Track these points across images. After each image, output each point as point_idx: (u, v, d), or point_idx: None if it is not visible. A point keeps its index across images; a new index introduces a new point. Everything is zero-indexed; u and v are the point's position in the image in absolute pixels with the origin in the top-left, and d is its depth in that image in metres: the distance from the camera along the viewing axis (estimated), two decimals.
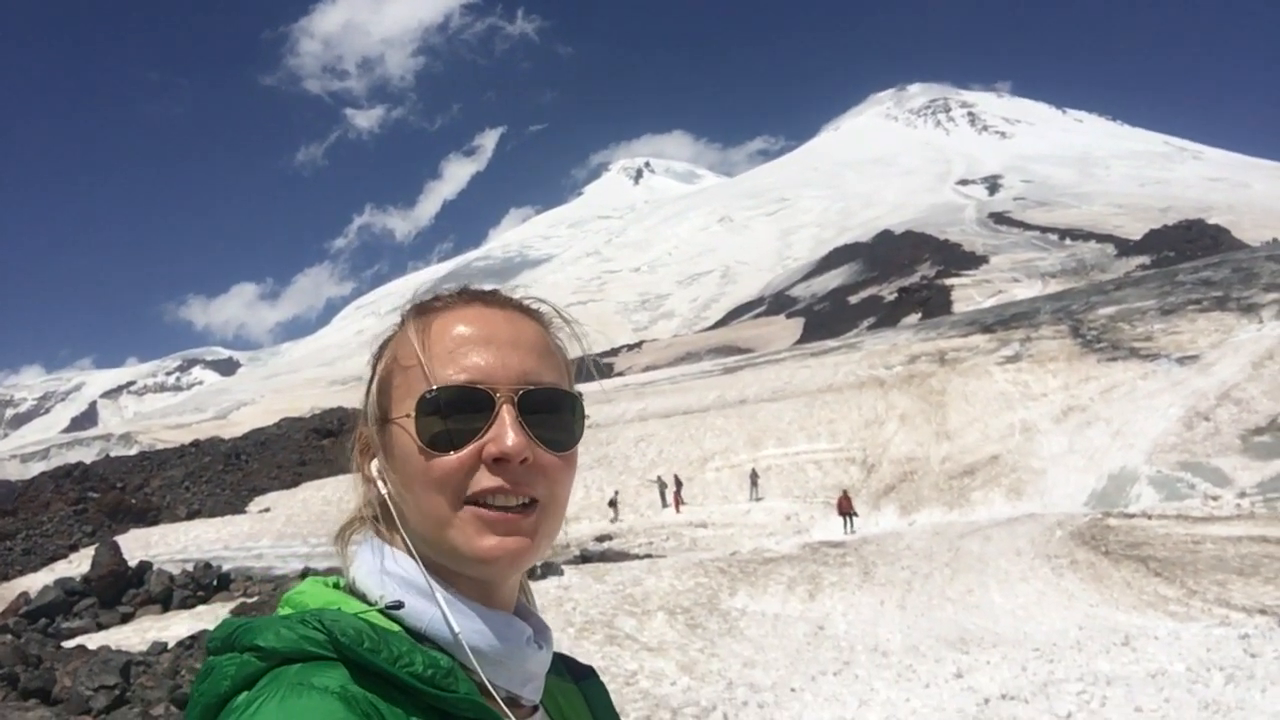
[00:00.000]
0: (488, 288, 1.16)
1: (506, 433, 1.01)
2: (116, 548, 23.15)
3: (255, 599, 20.96)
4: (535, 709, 1.10)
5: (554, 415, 1.07)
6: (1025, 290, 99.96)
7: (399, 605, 1.01)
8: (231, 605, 20.12)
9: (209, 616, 19.12)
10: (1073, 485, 29.12)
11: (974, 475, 31.68)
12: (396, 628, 1.00)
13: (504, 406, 1.03)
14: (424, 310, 1.11)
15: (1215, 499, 25.71)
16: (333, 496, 38.27)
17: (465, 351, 1.05)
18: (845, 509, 27.37)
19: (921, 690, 9.40)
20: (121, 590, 21.43)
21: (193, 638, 14.15)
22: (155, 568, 23.62)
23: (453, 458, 1.02)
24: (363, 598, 1.04)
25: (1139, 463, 29.47)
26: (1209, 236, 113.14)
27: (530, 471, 1.03)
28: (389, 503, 1.07)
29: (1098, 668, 9.67)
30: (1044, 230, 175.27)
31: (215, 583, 23.85)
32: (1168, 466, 28.77)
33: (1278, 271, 47.16)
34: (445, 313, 1.09)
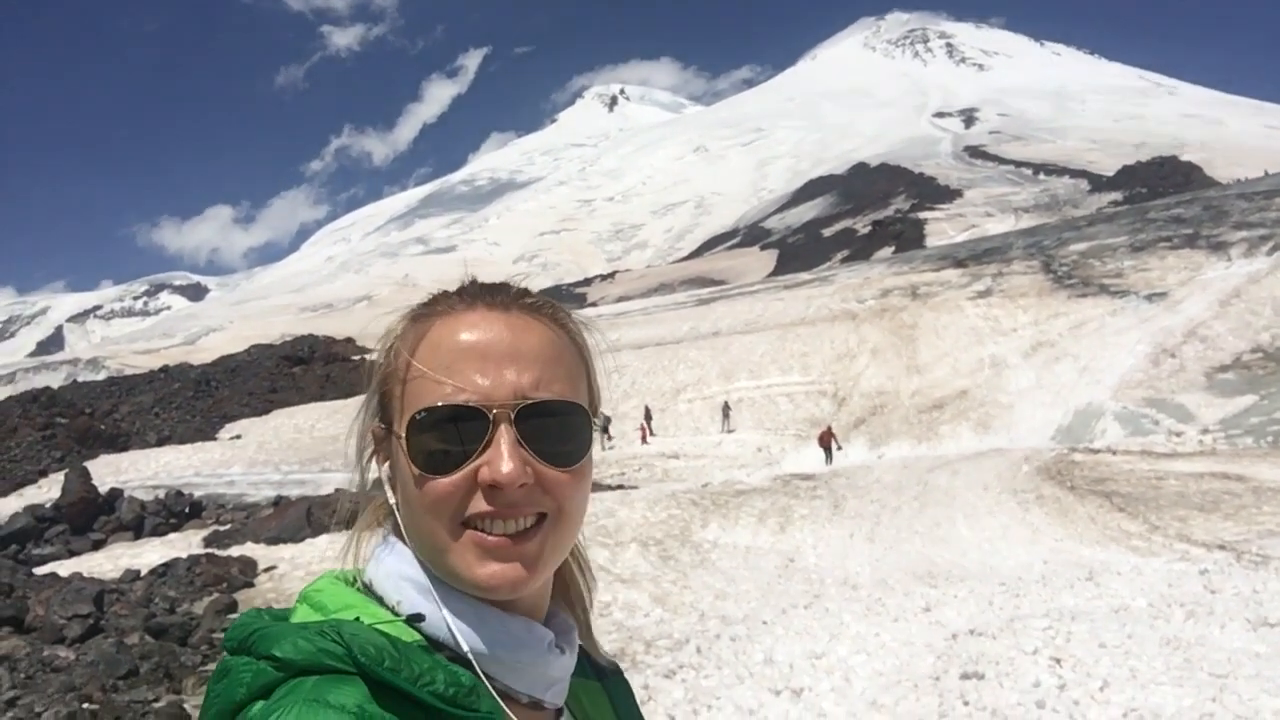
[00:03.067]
0: (495, 283, 1.09)
1: (501, 458, 0.96)
2: (86, 474, 23.06)
3: (228, 526, 20.99)
4: (560, 712, 1.08)
5: (559, 428, 1.01)
6: (998, 225, 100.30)
7: (420, 618, 0.99)
8: (204, 533, 20.15)
9: (181, 544, 19.10)
10: (1040, 420, 29.53)
11: (943, 409, 32.05)
12: (416, 637, 0.97)
13: (500, 426, 0.97)
14: (424, 314, 1.06)
15: (1179, 435, 26.17)
16: (304, 424, 38.18)
17: (461, 366, 0.99)
18: (826, 443, 27.71)
19: (890, 624, 9.57)
20: (93, 517, 21.40)
21: (165, 565, 14.16)
22: (126, 494, 23.60)
23: (446, 481, 0.97)
24: (379, 600, 1.02)
25: (1105, 399, 29.90)
26: (1181, 174, 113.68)
27: (533, 491, 0.99)
28: (396, 512, 1.05)
29: (1063, 603, 9.87)
30: (1018, 165, 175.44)
31: (187, 510, 23.87)
32: (1133, 403, 29.20)
33: (1248, 210, 47.49)
34: (445, 318, 1.04)
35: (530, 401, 0.99)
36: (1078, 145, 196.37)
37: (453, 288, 1.10)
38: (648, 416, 34.41)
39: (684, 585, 12.75)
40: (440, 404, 0.98)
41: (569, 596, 1.19)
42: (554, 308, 1.09)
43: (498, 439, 0.97)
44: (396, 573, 1.02)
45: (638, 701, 1.27)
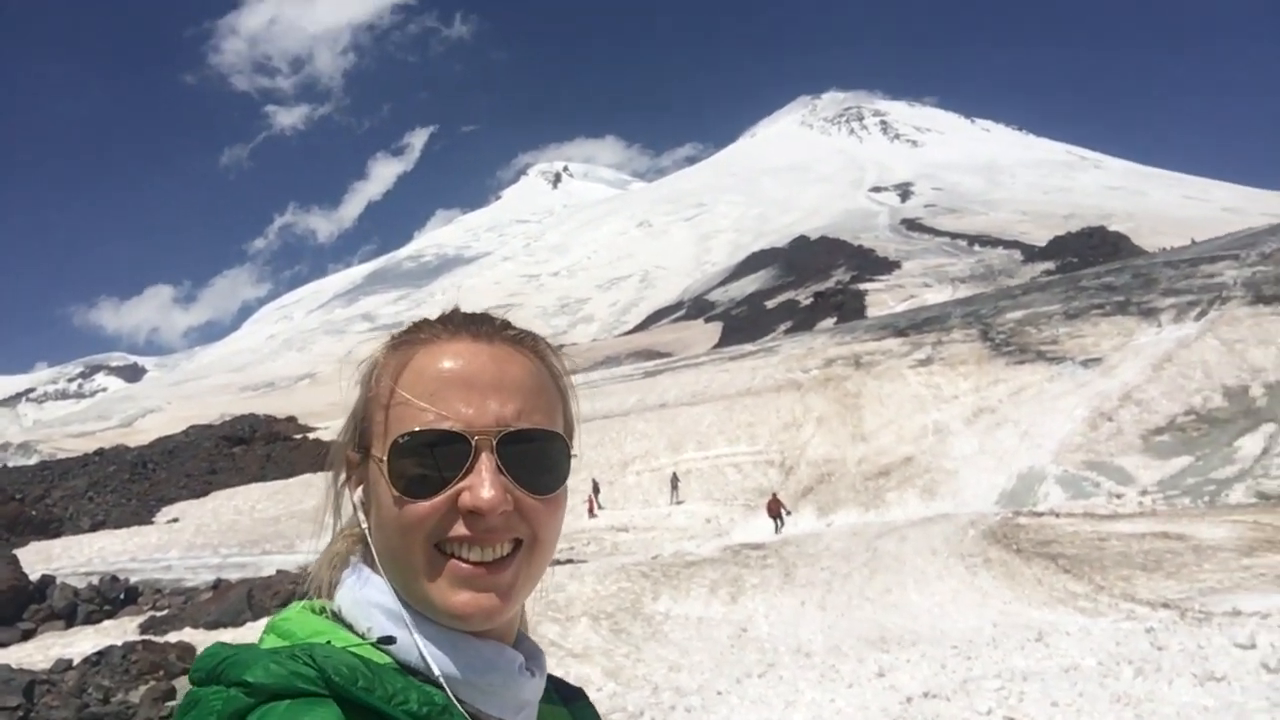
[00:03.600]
0: (477, 312, 1.11)
1: (483, 484, 0.97)
2: (15, 561, 22.31)
3: (165, 612, 20.34)
4: None
5: (538, 458, 1.02)
6: (936, 295, 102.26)
7: (391, 640, 0.98)
8: (140, 619, 19.51)
9: (116, 631, 18.48)
10: (984, 485, 29.86)
11: (889, 476, 32.28)
12: (387, 660, 0.97)
13: (482, 454, 0.99)
14: (408, 341, 1.07)
15: (1119, 497, 26.61)
16: (244, 505, 37.33)
17: (445, 394, 1.01)
18: (775, 511, 27.73)
19: (845, 690, 9.52)
20: (22, 606, 20.61)
21: (99, 654, 13.65)
22: (58, 581, 22.80)
23: (425, 505, 0.98)
24: (349, 627, 1.01)
25: (1046, 462, 30.36)
26: (1110, 243, 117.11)
27: (511, 517, 1.00)
28: (368, 536, 1.04)
29: (1014, 664, 9.91)
30: (954, 236, 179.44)
31: (122, 596, 23.11)
32: (1074, 466, 29.69)
33: (1175, 277, 49.01)
34: (429, 346, 1.05)
35: (512, 430, 1.00)
36: (1009, 217, 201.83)
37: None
38: (595, 490, 34.19)
39: (637, 658, 12.60)
40: (424, 429, 0.99)
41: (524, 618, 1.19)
42: (535, 340, 1.12)
43: (479, 465, 0.98)
44: (366, 599, 1.02)
45: None
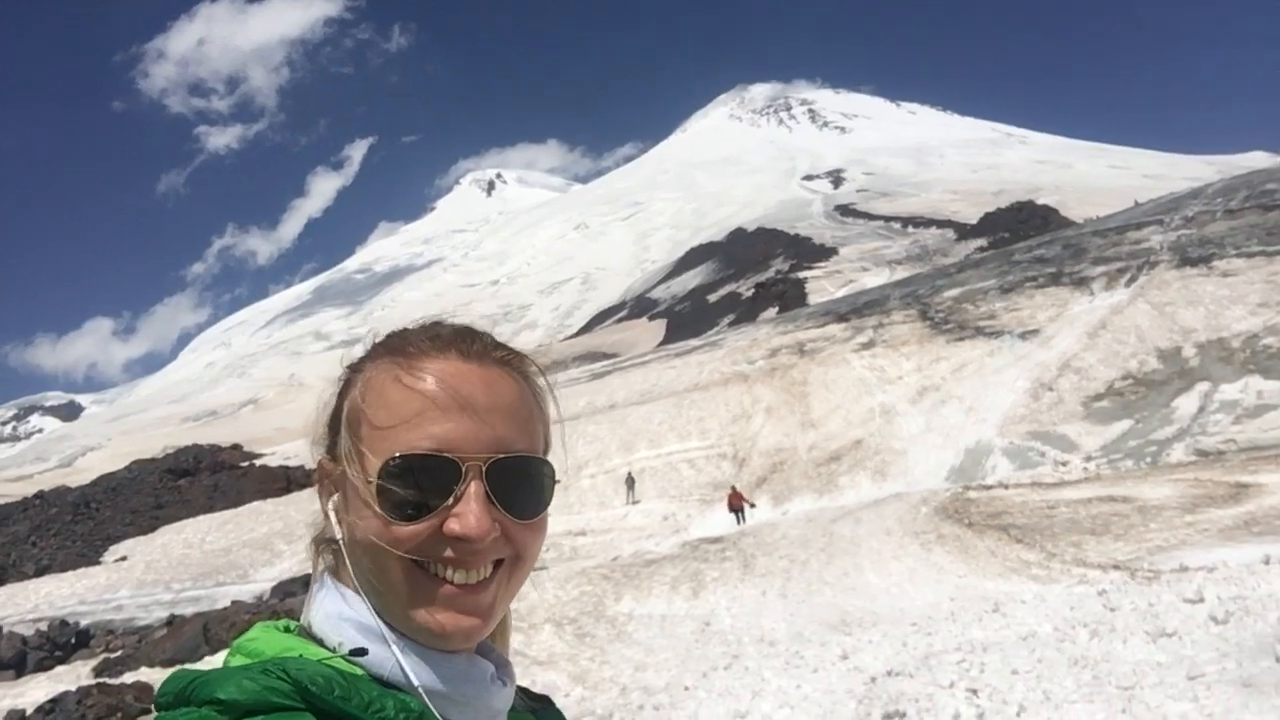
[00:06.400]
0: (465, 327, 1.09)
1: (471, 512, 0.97)
2: None
3: (119, 653, 19.91)
4: None
5: (525, 482, 1.02)
6: (874, 278, 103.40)
7: (363, 652, 0.97)
8: (93, 663, 19.07)
9: (69, 676, 18.04)
10: (933, 462, 30.30)
11: (840, 460, 32.61)
12: (361, 672, 0.96)
13: (472, 482, 0.98)
14: (394, 354, 1.05)
15: (1064, 464, 27.16)
16: (194, 538, 36.65)
17: (434, 416, 0.99)
18: (737, 504, 27.84)
19: (810, 675, 9.61)
20: None
21: (53, 701, 13.32)
22: (4, 630, 22.20)
23: (411, 529, 0.97)
24: (320, 643, 1.00)
25: (992, 436, 30.89)
26: (1039, 216, 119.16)
27: (497, 541, 0.99)
28: (343, 548, 1.03)
29: (973, 636, 10.07)
30: (887, 219, 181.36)
31: (74, 640, 22.61)
32: (1019, 437, 30.24)
33: (1104, 245, 50.14)
34: (417, 362, 1.03)
35: (503, 455, 1.00)
36: (940, 197, 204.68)
37: (413, 326, 1.10)
38: None
39: (602, 661, 12.59)
40: (414, 453, 0.97)
41: (501, 626, 1.19)
42: (522, 360, 1.10)
43: (468, 492, 0.97)
44: (336, 614, 1.00)
45: None
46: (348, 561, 1.02)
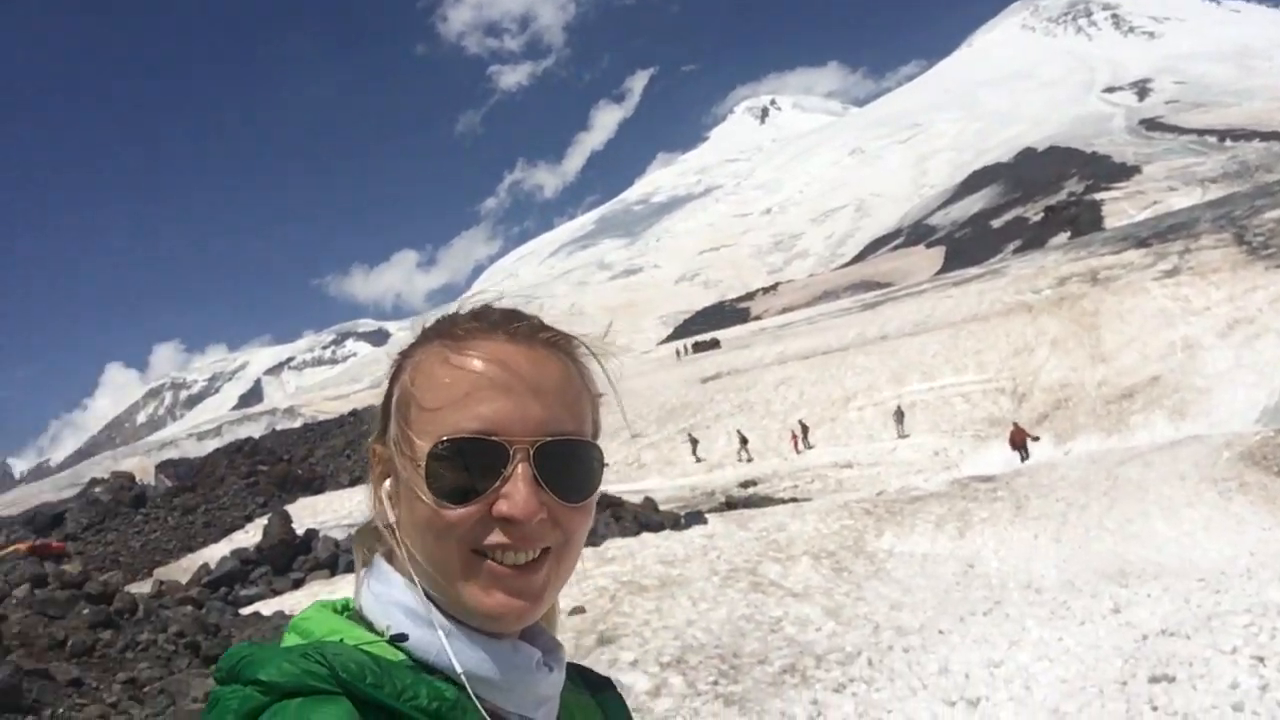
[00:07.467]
0: (512, 309, 1.08)
1: (519, 493, 0.97)
2: (287, 517, 24.45)
3: None
4: None
5: (573, 465, 1.01)
6: (1183, 199, 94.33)
7: (404, 638, 0.99)
8: None
9: None
10: (1241, 402, 27.51)
11: (1133, 398, 30.31)
12: (401, 658, 0.98)
13: (519, 464, 0.98)
14: (443, 337, 1.05)
15: None
16: None
17: (482, 397, 0.99)
18: (1019, 440, 26.68)
19: (1076, 628, 9.06)
20: (292, 557, 22.64)
21: None
22: (321, 534, 24.88)
23: (461, 512, 0.97)
24: (369, 625, 1.02)
25: None
26: None
27: (545, 524, 0.99)
28: (395, 531, 1.04)
29: (1269, 597, 9.10)
30: (1201, 133, 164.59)
31: None
32: None
33: None
34: (465, 344, 1.03)
35: (551, 438, 0.99)
36: (1267, 106, 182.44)
37: (464, 310, 1.09)
38: (803, 429, 34.15)
39: (858, 597, 12.45)
40: (462, 435, 0.98)
41: (549, 612, 1.17)
42: (569, 341, 1.08)
43: (516, 474, 0.97)
44: (385, 597, 1.02)
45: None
46: (399, 545, 1.03)
